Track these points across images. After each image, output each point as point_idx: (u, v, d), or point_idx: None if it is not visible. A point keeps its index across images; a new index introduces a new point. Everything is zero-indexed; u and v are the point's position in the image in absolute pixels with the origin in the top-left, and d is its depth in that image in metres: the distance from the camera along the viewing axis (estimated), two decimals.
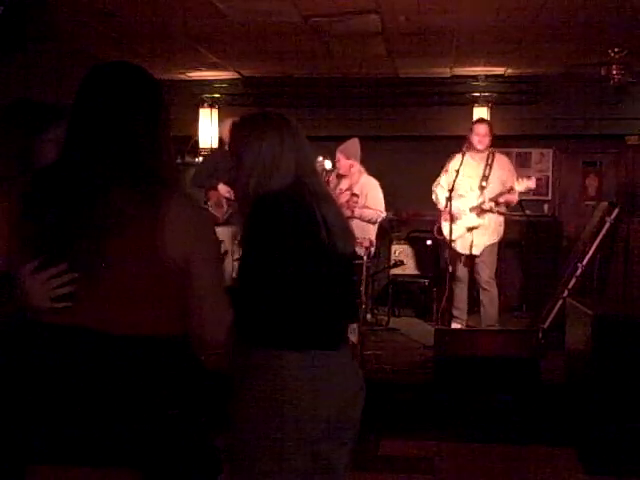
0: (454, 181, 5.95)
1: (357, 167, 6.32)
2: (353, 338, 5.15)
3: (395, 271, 7.27)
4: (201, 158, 8.22)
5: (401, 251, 7.55)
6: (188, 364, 1.73)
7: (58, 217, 1.62)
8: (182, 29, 6.17)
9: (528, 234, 7.90)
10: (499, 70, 7.96)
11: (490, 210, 6.16)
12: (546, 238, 8.04)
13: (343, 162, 6.27)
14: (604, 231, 6.72)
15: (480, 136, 6.14)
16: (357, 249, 5.72)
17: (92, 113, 1.67)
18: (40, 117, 2.24)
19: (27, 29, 4.80)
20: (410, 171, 8.08)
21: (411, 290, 7.77)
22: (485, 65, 7.69)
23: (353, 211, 6.18)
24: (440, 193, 6.27)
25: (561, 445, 4.35)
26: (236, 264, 2.23)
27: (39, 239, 1.62)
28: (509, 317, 7.23)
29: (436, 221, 6.48)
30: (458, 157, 6.10)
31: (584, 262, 6.63)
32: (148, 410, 1.64)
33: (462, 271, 6.31)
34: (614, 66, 6.74)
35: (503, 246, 6.97)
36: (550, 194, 8.56)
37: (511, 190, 6.12)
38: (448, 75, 8.14)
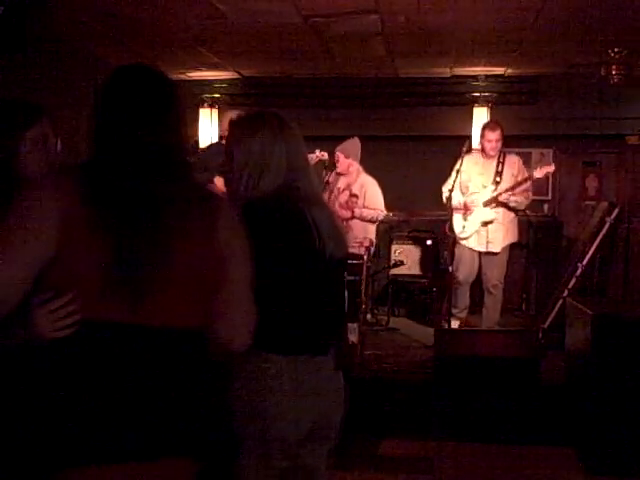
0: (454, 181, 5.95)
1: (356, 166, 6.32)
2: (353, 338, 5.16)
3: (395, 271, 7.27)
4: None
5: (401, 251, 7.54)
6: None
7: (119, 218, 1.62)
8: (182, 29, 6.17)
9: (528, 234, 7.90)
10: (499, 70, 7.96)
11: (506, 202, 6.08)
12: (546, 238, 8.04)
13: (342, 161, 6.28)
14: (604, 231, 6.73)
15: (493, 142, 6.11)
16: (357, 249, 5.73)
17: (126, 113, 1.69)
18: (21, 116, 2.23)
19: (27, 29, 4.79)
20: (410, 171, 8.09)
21: (411, 290, 7.76)
22: (485, 65, 7.69)
23: (353, 211, 6.18)
24: (454, 193, 6.20)
25: (561, 445, 4.35)
26: None
27: (101, 238, 1.60)
28: (509, 317, 7.23)
29: (439, 220, 6.46)
30: (469, 156, 6.09)
31: (584, 262, 6.63)
32: (201, 400, 1.70)
33: (464, 274, 6.23)
34: (614, 66, 6.73)
35: None
36: (550, 194, 8.56)
37: (528, 179, 6.08)
38: (448, 75, 8.14)
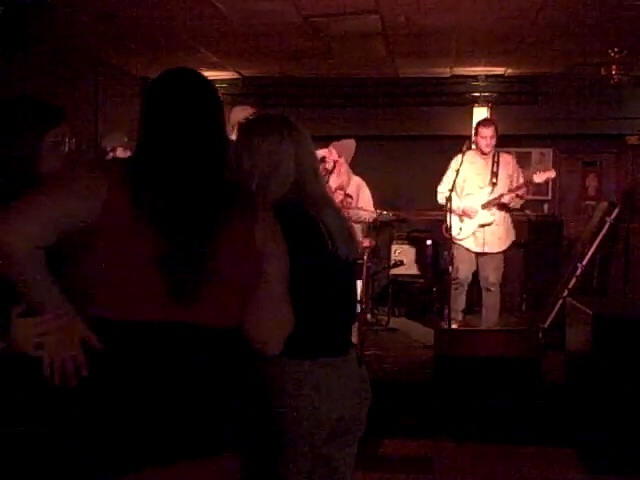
0: (454, 180, 5.94)
1: (345, 167, 6.25)
2: (353, 338, 5.16)
3: (395, 271, 7.27)
4: None
5: (401, 251, 7.55)
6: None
7: (165, 214, 1.62)
8: (182, 29, 6.17)
9: (528, 234, 7.90)
10: (499, 70, 7.96)
11: (507, 204, 6.09)
12: (546, 238, 8.04)
13: (332, 157, 6.21)
14: (604, 231, 6.73)
15: (487, 139, 6.10)
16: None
17: (171, 114, 1.73)
18: (46, 115, 2.23)
19: (27, 29, 4.79)
20: (410, 171, 8.09)
21: (411, 290, 7.76)
22: (485, 65, 7.69)
23: (349, 212, 6.16)
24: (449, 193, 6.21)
25: (561, 445, 4.35)
26: None
27: (147, 234, 1.61)
28: (509, 317, 7.23)
29: (439, 221, 6.45)
30: (457, 158, 6.09)
31: (584, 262, 6.63)
32: (244, 396, 1.71)
33: (464, 274, 6.24)
34: (614, 66, 6.74)
35: None
36: (550, 194, 8.56)
37: (530, 183, 6.11)
38: (448, 75, 8.14)
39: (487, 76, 8.15)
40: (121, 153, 6.03)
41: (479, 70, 7.96)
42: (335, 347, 2.13)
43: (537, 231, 7.95)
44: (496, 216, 6.13)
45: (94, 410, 1.59)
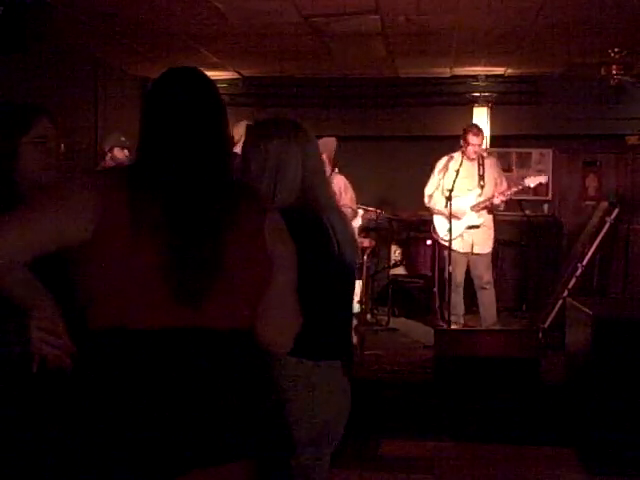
0: (454, 181, 5.96)
1: (327, 165, 6.22)
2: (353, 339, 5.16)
3: (395, 271, 7.27)
4: None
5: (401, 251, 7.55)
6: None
7: (169, 217, 1.61)
8: (182, 29, 6.17)
9: (528, 234, 7.90)
10: (499, 70, 7.96)
11: (497, 206, 6.28)
12: (546, 238, 8.05)
13: None
14: (604, 231, 6.73)
15: (476, 147, 6.20)
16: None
17: (173, 114, 1.71)
18: (19, 118, 2.20)
19: (27, 29, 4.79)
20: (410, 171, 8.07)
21: (411, 290, 7.77)
22: (485, 65, 7.69)
23: None
24: (437, 195, 6.27)
25: (561, 445, 4.35)
26: None
27: (151, 239, 1.59)
28: (509, 317, 7.23)
29: (430, 222, 6.52)
30: (456, 158, 6.14)
31: (584, 262, 6.64)
32: (259, 400, 1.68)
33: (460, 275, 6.31)
34: (614, 66, 6.74)
35: (503, 246, 6.98)
36: (550, 194, 8.55)
37: (522, 188, 6.28)
38: (448, 75, 8.14)
39: (487, 76, 8.15)
40: (118, 153, 6.05)
41: (479, 70, 7.96)
42: (334, 350, 2.13)
43: (537, 231, 7.95)
44: (484, 218, 6.21)
45: (108, 420, 1.57)
